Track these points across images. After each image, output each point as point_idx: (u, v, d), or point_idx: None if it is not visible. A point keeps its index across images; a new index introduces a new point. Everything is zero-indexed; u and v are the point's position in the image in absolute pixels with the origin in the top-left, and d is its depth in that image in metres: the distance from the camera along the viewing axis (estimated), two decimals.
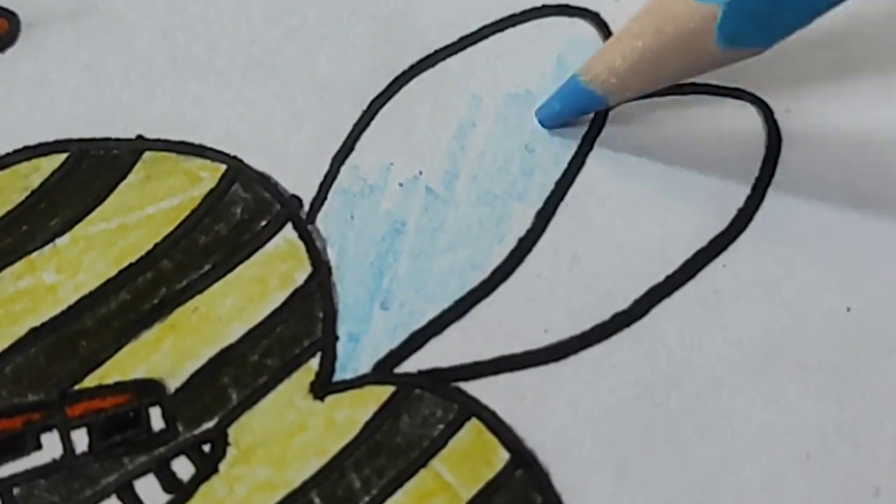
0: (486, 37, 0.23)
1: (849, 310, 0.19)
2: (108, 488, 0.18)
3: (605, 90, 0.20)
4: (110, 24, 0.23)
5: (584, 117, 0.21)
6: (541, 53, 0.22)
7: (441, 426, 0.18)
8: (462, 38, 0.23)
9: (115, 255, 0.20)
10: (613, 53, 0.19)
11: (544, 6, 0.23)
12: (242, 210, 0.21)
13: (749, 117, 0.22)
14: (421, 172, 0.21)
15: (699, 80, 0.22)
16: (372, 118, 0.22)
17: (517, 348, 0.19)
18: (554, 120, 0.21)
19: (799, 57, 0.22)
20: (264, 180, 0.21)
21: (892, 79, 0.22)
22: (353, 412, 0.19)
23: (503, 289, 0.20)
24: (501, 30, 0.23)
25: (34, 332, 0.19)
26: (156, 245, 0.20)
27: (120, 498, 0.18)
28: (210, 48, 0.23)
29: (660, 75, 0.19)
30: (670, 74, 0.19)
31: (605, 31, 0.23)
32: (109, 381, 0.19)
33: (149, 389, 0.19)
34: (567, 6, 0.23)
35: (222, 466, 0.18)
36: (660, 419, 0.18)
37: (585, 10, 0.23)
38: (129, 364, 0.19)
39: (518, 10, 0.23)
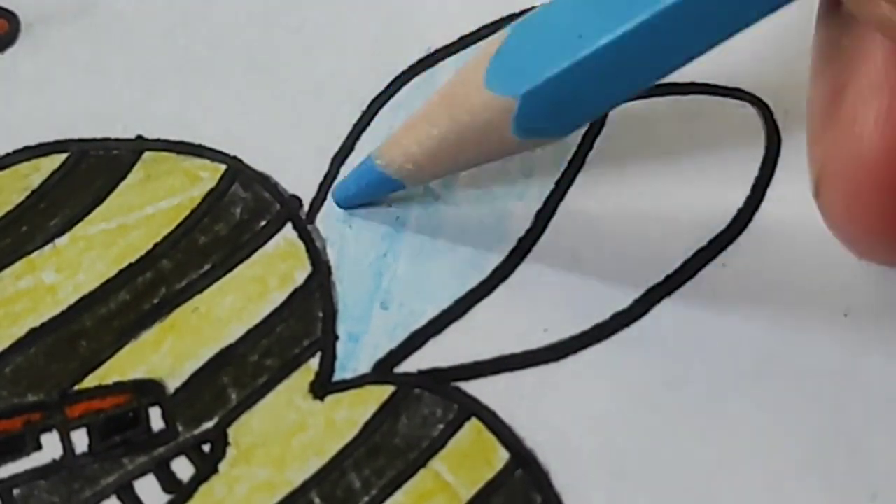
0: (485, 37, 0.23)
1: (846, 316, 0.19)
2: (108, 489, 0.18)
3: (400, 175, 0.19)
4: (110, 24, 0.23)
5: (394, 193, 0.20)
6: None
7: (441, 426, 0.18)
8: (462, 38, 0.23)
9: (114, 255, 0.20)
10: (408, 140, 0.19)
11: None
12: (242, 210, 0.21)
13: (748, 117, 0.22)
14: None
15: (699, 80, 0.22)
16: (372, 118, 0.22)
17: (517, 348, 0.19)
18: (350, 201, 0.20)
19: (798, 57, 0.22)
20: (264, 180, 0.21)
21: None
22: (353, 412, 0.19)
23: (503, 289, 0.20)
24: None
25: (34, 333, 0.19)
26: (155, 245, 0.20)
27: (120, 498, 0.18)
28: (210, 48, 0.23)
29: (456, 162, 0.19)
30: (466, 161, 0.19)
31: None
32: (109, 381, 0.19)
33: (148, 390, 0.19)
34: None
35: (222, 467, 0.18)
36: (659, 420, 0.18)
37: None
38: (128, 364, 0.19)
39: (517, 10, 0.23)
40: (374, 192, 0.20)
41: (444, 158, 0.19)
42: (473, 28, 0.23)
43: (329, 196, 0.20)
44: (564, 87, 0.17)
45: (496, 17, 0.23)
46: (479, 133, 0.18)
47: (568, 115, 0.18)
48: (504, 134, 0.18)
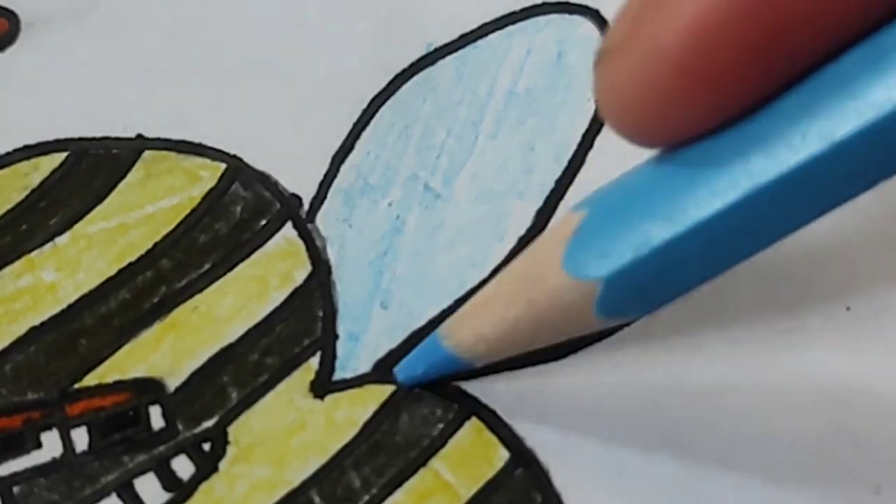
0: (485, 34, 0.23)
1: (848, 309, 0.19)
2: (108, 487, 0.18)
3: (471, 355, 0.18)
4: (110, 24, 0.23)
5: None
6: (541, 51, 0.22)
7: (441, 425, 0.18)
8: (462, 36, 0.23)
9: (114, 253, 0.20)
10: (480, 320, 0.18)
11: (544, 3, 0.23)
12: (242, 209, 0.21)
13: None
14: (421, 171, 0.21)
15: None
16: (372, 117, 0.22)
17: None
18: (416, 381, 0.19)
19: None
20: (264, 179, 0.21)
21: None
22: (353, 411, 0.19)
23: None
24: (501, 27, 0.23)
25: (34, 331, 0.19)
26: (155, 244, 0.20)
27: (120, 496, 0.18)
28: (210, 47, 0.23)
29: (531, 342, 0.18)
30: (542, 341, 0.18)
31: (605, 28, 0.23)
32: (109, 379, 0.19)
33: (149, 388, 0.19)
34: (567, 3, 0.23)
35: (222, 465, 0.18)
36: (659, 419, 0.18)
37: (586, 7, 0.23)
38: (128, 363, 0.19)
39: (518, 7, 0.23)
40: (441, 371, 0.19)
41: (518, 339, 0.17)
42: (474, 25, 0.23)
43: (397, 374, 0.19)
44: (652, 269, 0.15)
45: (496, 14, 0.23)
46: (558, 315, 0.17)
47: (655, 295, 0.16)
48: (585, 316, 0.16)
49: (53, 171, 0.21)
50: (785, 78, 0.14)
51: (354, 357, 0.19)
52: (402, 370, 0.19)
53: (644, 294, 0.16)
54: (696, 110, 0.14)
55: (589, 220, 0.16)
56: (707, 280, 0.16)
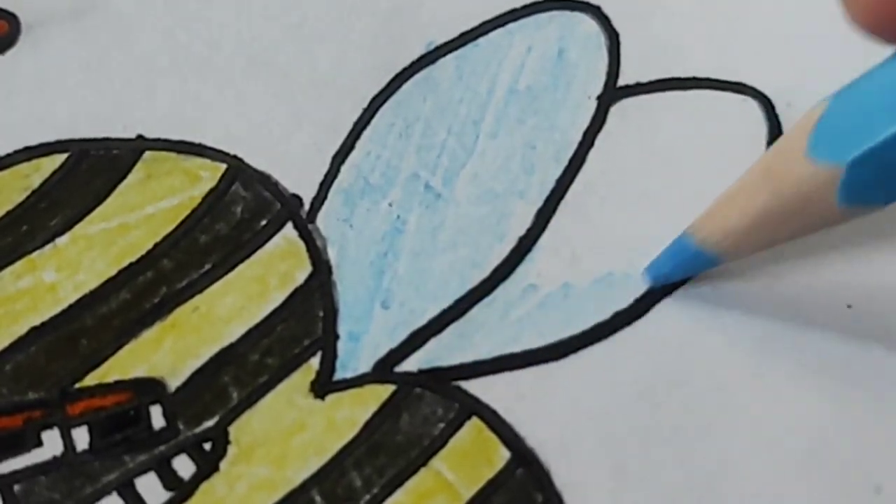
0: (486, 32, 0.23)
1: (849, 307, 0.19)
2: (109, 486, 0.18)
3: (718, 250, 0.18)
4: (110, 24, 0.23)
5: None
6: (542, 49, 0.22)
7: (441, 425, 0.18)
8: (463, 34, 0.23)
9: (115, 254, 0.20)
10: (726, 214, 0.18)
11: (545, 0, 0.23)
12: (243, 209, 0.21)
13: (750, 112, 0.21)
14: (421, 171, 0.21)
15: (700, 74, 0.22)
16: (372, 116, 0.22)
17: (517, 348, 0.19)
18: (665, 280, 0.19)
19: (800, 51, 0.22)
20: (264, 179, 0.21)
21: None
22: (354, 411, 0.19)
23: (503, 288, 0.20)
24: (502, 25, 0.23)
25: (35, 331, 0.20)
26: (156, 244, 0.20)
27: (121, 495, 0.18)
28: (210, 47, 0.23)
29: (777, 234, 0.18)
30: (788, 233, 0.18)
31: (606, 25, 0.23)
32: (110, 379, 0.19)
33: (149, 388, 0.19)
34: (568, 0, 0.23)
35: (223, 465, 0.18)
36: (660, 418, 0.18)
37: (587, 3, 0.23)
38: (129, 363, 0.19)
39: (519, 4, 0.23)
40: (690, 269, 0.19)
41: (763, 232, 0.18)
42: (474, 23, 0.23)
43: (644, 274, 0.19)
44: (894, 152, 0.16)
45: (497, 11, 0.23)
46: (801, 204, 0.17)
47: None
48: (828, 204, 0.17)
49: (54, 172, 0.21)
50: None
51: (355, 357, 0.19)
52: (650, 270, 0.19)
53: (886, 178, 0.16)
54: None
55: (830, 112, 0.17)
56: None
